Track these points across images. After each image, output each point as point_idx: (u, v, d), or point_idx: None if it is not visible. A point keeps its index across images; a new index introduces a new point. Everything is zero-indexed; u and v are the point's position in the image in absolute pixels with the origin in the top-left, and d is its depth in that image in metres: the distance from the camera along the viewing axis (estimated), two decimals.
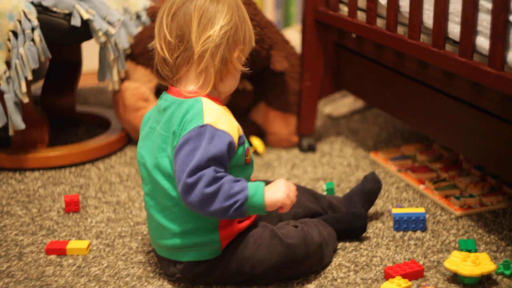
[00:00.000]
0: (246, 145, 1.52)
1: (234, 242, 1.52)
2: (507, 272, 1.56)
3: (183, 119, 1.45)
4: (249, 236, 1.52)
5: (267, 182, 1.50)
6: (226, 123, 1.46)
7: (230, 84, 1.54)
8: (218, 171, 1.40)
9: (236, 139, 1.46)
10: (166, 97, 1.52)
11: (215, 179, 1.39)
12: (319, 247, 1.57)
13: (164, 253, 1.55)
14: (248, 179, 1.54)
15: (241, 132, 1.50)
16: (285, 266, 1.52)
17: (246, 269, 1.51)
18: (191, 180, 1.39)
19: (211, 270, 1.51)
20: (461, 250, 1.65)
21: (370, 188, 1.78)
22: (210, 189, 1.39)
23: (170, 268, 1.55)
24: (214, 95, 1.52)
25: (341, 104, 2.66)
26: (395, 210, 1.79)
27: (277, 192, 1.44)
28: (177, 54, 1.48)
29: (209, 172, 1.39)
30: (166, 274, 1.57)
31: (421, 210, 1.79)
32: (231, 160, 1.47)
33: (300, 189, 1.74)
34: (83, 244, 1.70)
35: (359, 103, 2.67)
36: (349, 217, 1.70)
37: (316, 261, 1.58)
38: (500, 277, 1.56)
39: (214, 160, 1.40)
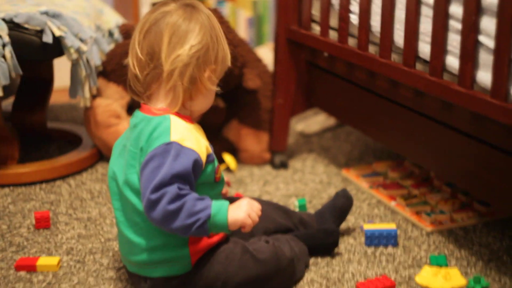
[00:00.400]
0: (216, 163, 1.53)
1: (205, 257, 1.51)
2: (478, 287, 1.58)
3: (150, 136, 1.45)
4: (220, 252, 1.52)
5: (234, 199, 1.51)
6: (194, 141, 1.45)
7: (202, 103, 1.53)
8: (182, 188, 1.40)
9: (203, 157, 1.46)
10: (137, 114, 1.52)
11: (178, 196, 1.39)
12: (290, 262, 1.57)
13: (134, 269, 1.54)
14: (218, 196, 1.55)
15: (210, 150, 1.51)
16: (256, 281, 1.52)
17: (218, 285, 1.50)
18: (154, 196, 1.39)
19: (182, 286, 1.51)
20: (432, 265, 1.67)
21: (341, 205, 1.79)
22: (172, 206, 1.38)
23: (141, 284, 1.54)
24: (185, 113, 1.52)
25: (313, 121, 2.68)
26: (367, 226, 1.80)
27: (239, 211, 1.43)
28: (147, 72, 1.48)
29: (172, 189, 1.39)
30: None
31: (392, 226, 1.80)
32: (198, 178, 1.47)
33: (272, 206, 1.75)
34: (53, 260, 1.68)
35: (331, 121, 2.69)
36: (320, 234, 1.71)
37: (288, 276, 1.58)
38: None
39: (178, 177, 1.40)
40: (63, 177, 2.21)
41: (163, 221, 1.40)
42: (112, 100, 2.29)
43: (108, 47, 2.34)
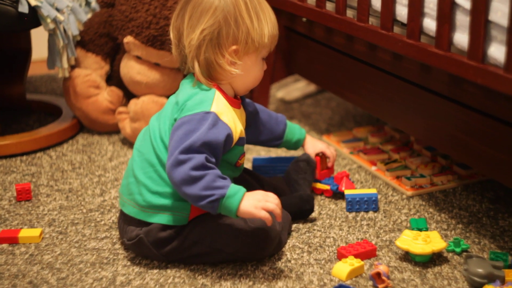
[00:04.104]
0: (243, 150, 1.59)
1: (201, 216, 1.54)
2: (458, 250, 1.59)
3: (190, 98, 1.51)
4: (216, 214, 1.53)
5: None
6: (230, 118, 1.51)
7: (239, 82, 1.58)
8: (209, 161, 1.45)
9: (235, 136, 1.52)
10: (189, 76, 1.59)
11: (203, 166, 1.43)
12: (278, 234, 1.57)
13: (133, 211, 1.57)
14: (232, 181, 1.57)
15: (244, 135, 1.56)
16: (245, 246, 1.52)
17: (207, 241, 1.52)
18: (182, 157, 1.43)
19: (174, 236, 1.54)
20: (413, 229, 1.68)
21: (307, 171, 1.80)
22: (195, 173, 1.42)
23: (134, 231, 1.56)
24: (229, 93, 1.58)
25: (294, 88, 2.67)
26: (348, 191, 1.81)
27: (251, 204, 1.44)
28: (177, 53, 1.57)
29: (200, 157, 1.43)
30: (126, 238, 1.58)
31: (373, 191, 1.81)
32: (225, 154, 1.52)
33: (247, 172, 1.77)
34: (35, 232, 1.68)
35: (311, 87, 2.68)
36: (296, 200, 1.72)
37: (275, 247, 1.58)
38: (450, 254, 1.59)
39: (208, 146, 1.45)
40: (43, 149, 2.20)
41: (180, 183, 1.44)
42: (91, 70, 2.28)
43: (86, 16, 2.32)
